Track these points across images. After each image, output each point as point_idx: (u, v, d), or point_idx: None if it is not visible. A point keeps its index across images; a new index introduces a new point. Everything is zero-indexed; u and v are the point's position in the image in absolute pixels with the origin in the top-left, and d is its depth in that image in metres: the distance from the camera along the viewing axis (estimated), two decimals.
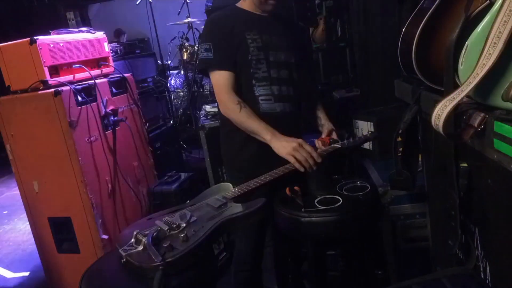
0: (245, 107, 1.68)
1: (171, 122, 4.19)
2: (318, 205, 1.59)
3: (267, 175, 1.52)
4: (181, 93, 5.51)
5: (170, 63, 5.99)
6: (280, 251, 2.13)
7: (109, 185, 2.50)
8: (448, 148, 1.13)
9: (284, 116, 1.78)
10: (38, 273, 2.90)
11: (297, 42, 1.89)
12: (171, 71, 5.82)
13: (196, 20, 5.40)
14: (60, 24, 6.03)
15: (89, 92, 2.42)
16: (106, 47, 2.74)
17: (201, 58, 1.77)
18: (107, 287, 1.27)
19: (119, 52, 3.55)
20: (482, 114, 0.91)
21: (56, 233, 2.47)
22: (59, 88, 2.22)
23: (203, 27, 1.90)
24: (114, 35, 6.07)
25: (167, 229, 1.25)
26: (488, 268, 1.09)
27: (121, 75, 2.75)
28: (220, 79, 1.72)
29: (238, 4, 1.84)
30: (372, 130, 2.37)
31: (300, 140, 1.57)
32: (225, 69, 1.71)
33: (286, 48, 1.81)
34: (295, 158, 1.53)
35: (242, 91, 1.75)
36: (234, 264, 1.95)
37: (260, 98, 1.75)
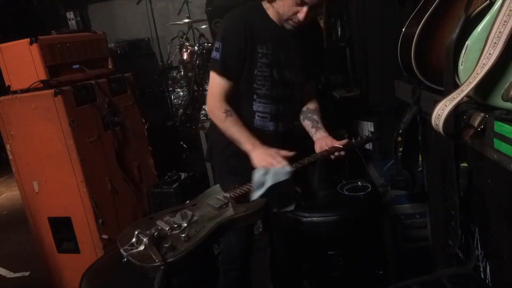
0: (231, 115, 1.64)
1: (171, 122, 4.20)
2: (319, 205, 1.59)
3: None
4: (181, 93, 5.51)
5: (170, 62, 6.00)
6: (278, 251, 2.13)
7: (109, 185, 2.50)
8: (448, 148, 1.13)
9: (275, 134, 1.75)
10: (38, 273, 2.90)
11: (310, 57, 1.78)
12: (171, 71, 5.82)
13: (196, 20, 5.40)
14: (60, 24, 6.03)
15: (89, 92, 2.43)
16: (106, 47, 2.74)
17: (212, 56, 1.68)
18: (107, 287, 1.27)
19: (119, 52, 3.56)
20: (482, 114, 0.91)
21: (56, 233, 2.47)
22: (59, 88, 2.22)
23: (221, 23, 1.74)
24: None
25: (168, 229, 1.25)
26: (488, 268, 1.10)
27: (121, 75, 2.75)
28: (216, 85, 1.66)
29: (264, 5, 1.69)
30: (372, 130, 2.37)
31: (274, 150, 1.54)
32: (226, 77, 1.65)
33: (296, 66, 1.73)
34: None
35: (241, 102, 1.71)
36: (222, 264, 1.92)
37: (257, 113, 1.72)
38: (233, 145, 1.69)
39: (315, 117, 1.80)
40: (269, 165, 1.47)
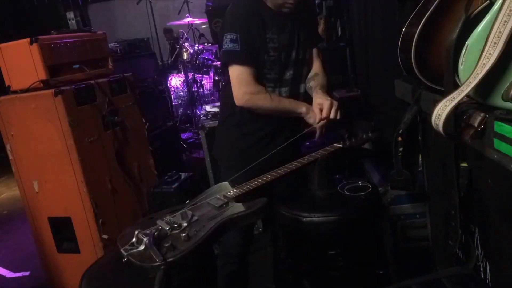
0: (272, 92, 1.73)
1: (171, 122, 4.20)
2: (319, 205, 1.59)
3: (268, 175, 1.53)
4: (181, 93, 5.52)
5: (170, 62, 6.00)
6: (279, 250, 2.13)
7: (109, 185, 2.50)
8: (448, 148, 1.13)
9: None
10: (38, 273, 2.90)
11: (308, 30, 1.84)
12: (171, 71, 5.82)
13: (196, 20, 5.41)
14: (60, 24, 6.04)
15: (89, 92, 2.43)
16: (106, 47, 2.74)
17: (226, 49, 1.67)
18: (107, 287, 1.27)
19: (119, 52, 3.55)
20: (482, 114, 0.91)
21: (56, 233, 2.48)
22: (59, 88, 2.22)
23: (227, 15, 1.76)
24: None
25: (169, 229, 1.25)
26: (488, 268, 1.10)
27: (121, 75, 2.75)
28: (244, 73, 1.68)
29: None
30: (372, 130, 2.37)
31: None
32: (251, 64, 1.68)
33: (300, 45, 1.80)
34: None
35: None
36: (220, 258, 1.94)
37: None
38: (247, 139, 1.80)
39: (313, 82, 1.85)
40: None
